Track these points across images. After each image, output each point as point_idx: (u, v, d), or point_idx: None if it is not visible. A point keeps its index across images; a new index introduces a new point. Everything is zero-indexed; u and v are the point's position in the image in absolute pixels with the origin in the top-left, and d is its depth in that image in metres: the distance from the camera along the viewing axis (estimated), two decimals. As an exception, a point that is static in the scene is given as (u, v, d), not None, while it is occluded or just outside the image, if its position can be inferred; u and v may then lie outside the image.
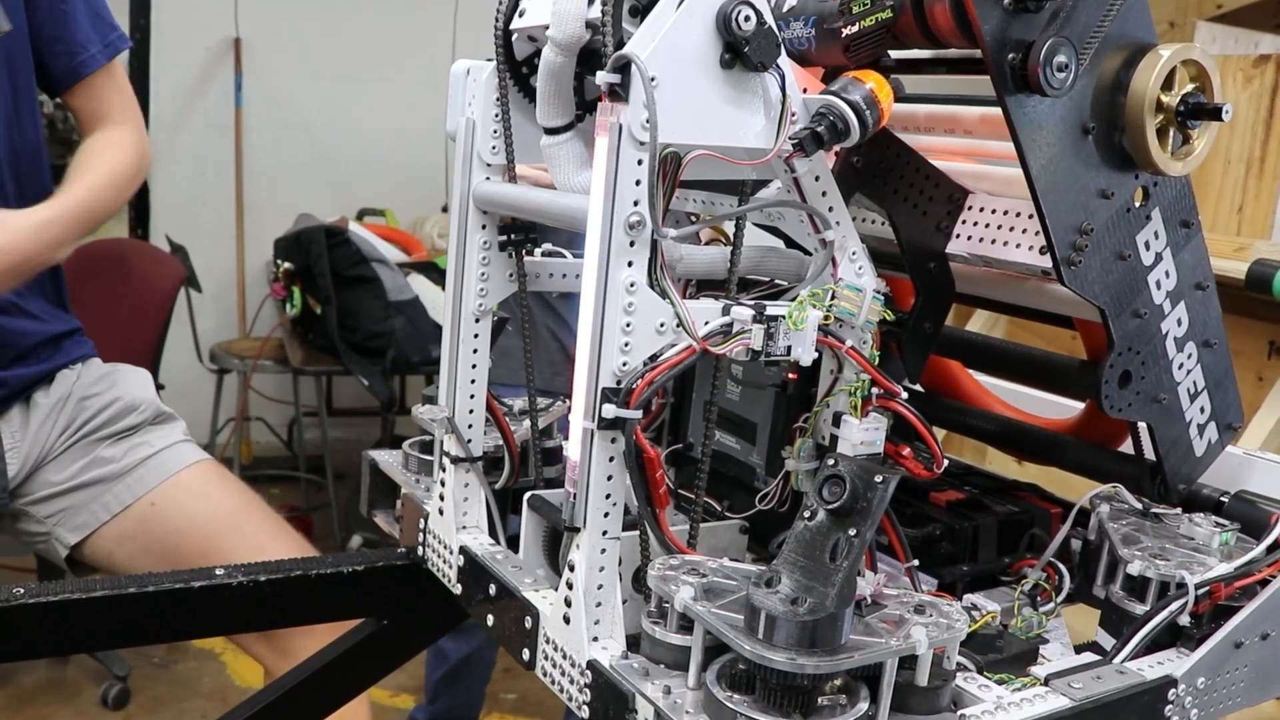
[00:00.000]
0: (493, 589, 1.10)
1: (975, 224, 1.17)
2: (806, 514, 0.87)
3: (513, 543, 1.20)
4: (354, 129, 5.03)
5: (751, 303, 0.93)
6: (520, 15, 1.07)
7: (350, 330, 3.85)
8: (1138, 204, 1.11)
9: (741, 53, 0.88)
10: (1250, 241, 2.45)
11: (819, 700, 0.84)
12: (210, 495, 1.75)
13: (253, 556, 1.25)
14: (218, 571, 1.22)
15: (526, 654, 1.03)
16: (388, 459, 1.41)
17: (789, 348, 0.93)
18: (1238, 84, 2.54)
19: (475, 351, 1.18)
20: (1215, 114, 1.07)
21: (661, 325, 0.91)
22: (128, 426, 1.78)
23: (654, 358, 0.91)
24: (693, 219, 1.30)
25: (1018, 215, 1.15)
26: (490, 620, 1.10)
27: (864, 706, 0.84)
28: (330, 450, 4.53)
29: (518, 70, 1.11)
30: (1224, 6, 5.37)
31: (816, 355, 0.96)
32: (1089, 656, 1.07)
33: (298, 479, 4.80)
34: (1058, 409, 1.51)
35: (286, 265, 3.97)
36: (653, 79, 0.85)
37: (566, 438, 1.42)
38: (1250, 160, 2.52)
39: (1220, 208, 2.61)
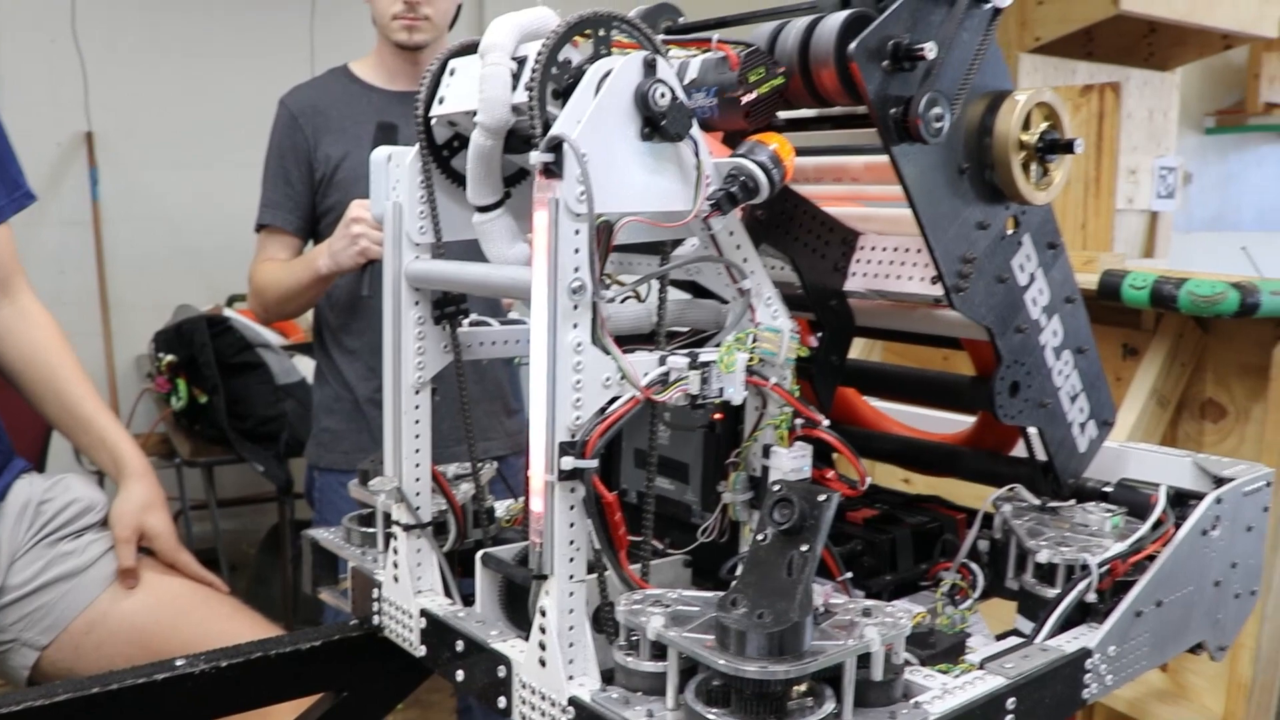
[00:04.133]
0: (460, 645, 1.16)
1: (868, 262, 1.28)
2: (759, 536, 0.96)
3: (465, 601, 1.26)
4: (216, 215, 5.00)
5: (685, 352, 1.02)
6: (440, 103, 1.15)
7: (240, 418, 3.83)
8: (1010, 232, 1.23)
9: (659, 126, 0.97)
10: (1096, 254, 2.64)
11: (789, 705, 0.92)
12: (173, 574, 1.79)
13: (223, 628, 1.28)
14: (178, 662, 1.25)
15: (503, 702, 1.09)
16: (328, 536, 1.45)
17: (721, 389, 1.02)
18: (1069, 111, 2.74)
19: (417, 422, 1.24)
20: (1068, 148, 1.20)
21: (607, 380, 0.99)
22: (85, 525, 1.80)
23: (603, 410, 0.99)
24: (606, 280, 1.39)
25: (905, 251, 1.26)
26: (460, 676, 1.16)
27: (830, 705, 0.92)
28: (221, 541, 4.47)
29: (439, 154, 1.19)
30: (1041, 39, 5.72)
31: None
32: (1013, 641, 1.18)
33: (189, 574, 4.71)
34: (942, 424, 1.62)
35: (169, 358, 3.94)
36: (584, 155, 0.94)
37: (499, 498, 1.49)
38: (1088, 181, 2.72)
39: (1066, 225, 2.81)
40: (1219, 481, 1.37)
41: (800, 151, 1.36)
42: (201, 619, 1.71)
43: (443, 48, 2.65)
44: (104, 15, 4.93)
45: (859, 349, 2.84)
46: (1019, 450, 1.43)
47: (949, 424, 1.60)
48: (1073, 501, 1.37)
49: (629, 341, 1.16)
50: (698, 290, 1.24)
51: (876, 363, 1.70)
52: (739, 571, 0.97)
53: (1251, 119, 9.68)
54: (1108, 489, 1.41)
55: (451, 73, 1.16)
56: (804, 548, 0.93)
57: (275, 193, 2.61)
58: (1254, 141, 10.47)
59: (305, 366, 3.92)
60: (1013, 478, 1.40)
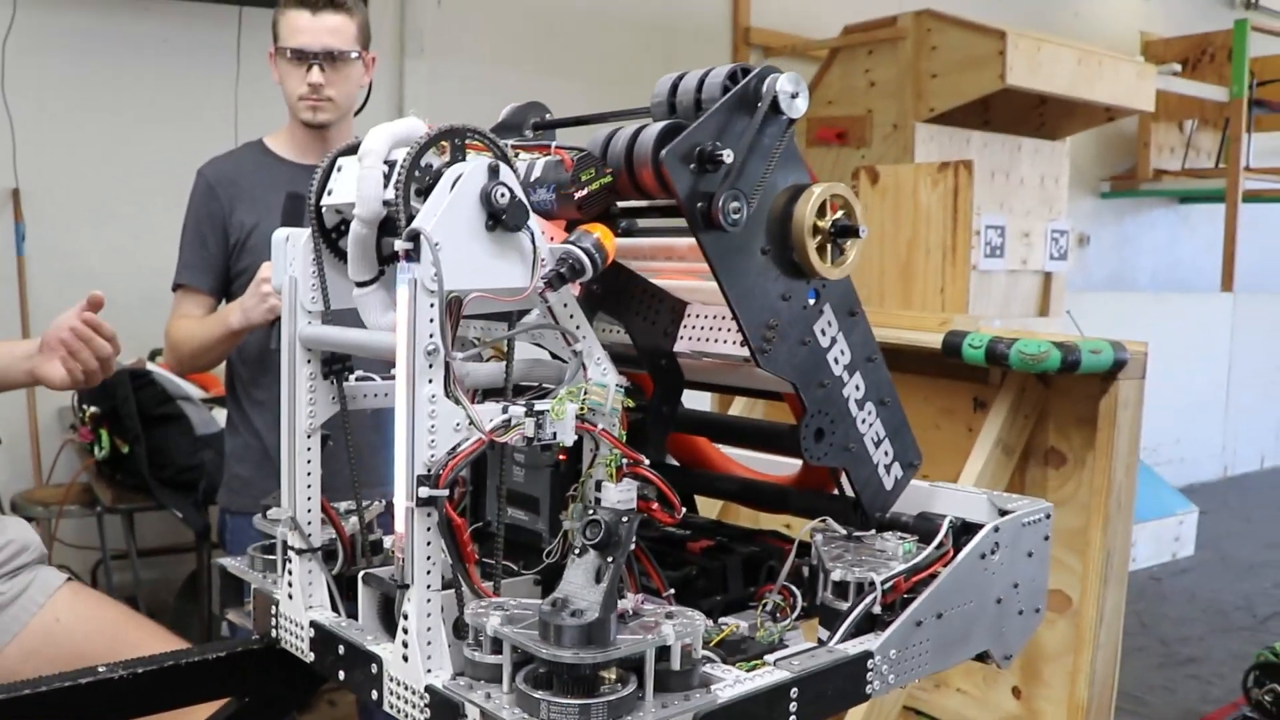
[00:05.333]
0: (341, 649, 1.37)
1: (694, 327, 1.51)
2: (576, 551, 1.18)
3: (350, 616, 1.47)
4: (139, 270, 5.13)
5: (524, 402, 1.24)
6: (329, 194, 1.38)
7: (160, 467, 4.00)
8: (812, 303, 1.46)
9: (500, 219, 1.20)
10: (951, 316, 2.91)
11: (600, 687, 1.14)
12: (106, 607, 1.95)
13: (154, 647, 1.46)
14: (100, 669, 1.44)
15: (375, 694, 1.30)
16: (235, 564, 1.66)
17: (554, 433, 1.25)
18: (928, 186, 3.03)
19: (309, 462, 1.46)
20: (855, 232, 1.43)
21: (458, 424, 1.22)
22: (20, 565, 1.96)
23: (454, 449, 1.21)
24: (475, 342, 1.61)
25: (724, 318, 1.49)
26: (342, 674, 1.37)
27: (634, 687, 1.14)
28: (141, 590, 4.59)
29: (328, 236, 1.41)
30: (935, 110, 6.08)
31: (578, 438, 1.28)
32: (809, 645, 1.40)
33: (109, 621, 4.81)
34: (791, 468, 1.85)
35: (92, 409, 4.10)
36: (436, 244, 1.16)
37: (386, 532, 1.70)
38: (945, 249, 3.00)
39: (926, 289, 3.08)
40: (1003, 514, 1.61)
41: (638, 233, 1.61)
42: (136, 642, 1.88)
43: (349, 126, 2.89)
44: (33, 74, 5.10)
45: (739, 405, 3.09)
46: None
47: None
48: (875, 532, 1.60)
49: (486, 394, 1.38)
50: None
51: (719, 414, 1.94)
52: (562, 580, 1.19)
53: (1143, 184, 10.18)
54: (908, 520, 1.65)
55: (339, 169, 1.39)
56: (609, 559, 1.16)
57: (192, 255, 2.82)
58: (1147, 206, 11.00)
59: (224, 418, 4.09)
60: (828, 512, 1.62)
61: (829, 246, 1.43)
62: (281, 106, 2.90)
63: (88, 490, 4.42)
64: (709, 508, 2.29)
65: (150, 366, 4.39)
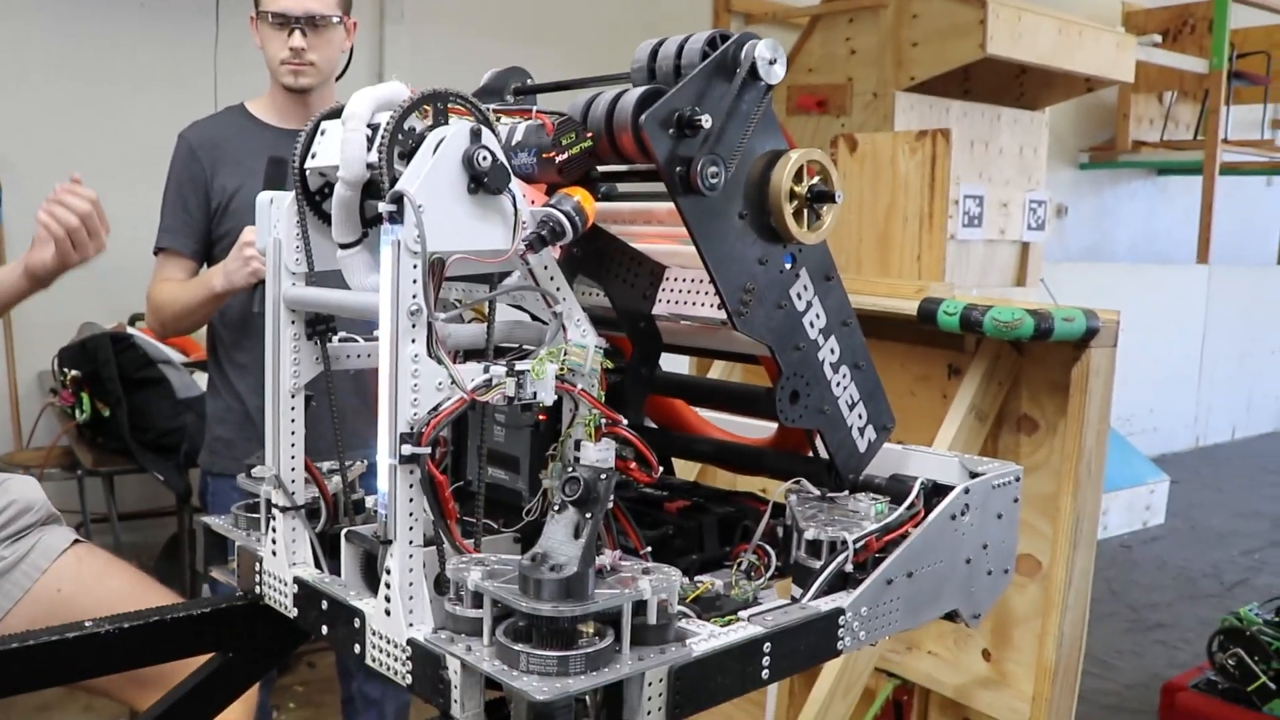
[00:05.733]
0: (325, 604, 1.39)
1: (673, 290, 1.54)
2: (555, 508, 1.21)
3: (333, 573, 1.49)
4: (119, 236, 5.10)
5: (505, 363, 1.27)
6: (313, 157, 1.40)
7: (142, 430, 4.01)
8: (788, 267, 1.49)
9: (482, 182, 1.22)
10: (928, 283, 2.94)
11: (579, 640, 1.17)
12: (113, 574, 1.93)
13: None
14: (87, 623, 1.47)
15: (358, 648, 1.33)
16: (219, 522, 1.68)
17: (535, 393, 1.27)
18: (906, 154, 3.05)
19: (293, 422, 1.48)
20: (832, 198, 1.46)
21: (440, 384, 1.24)
22: (24, 526, 1.94)
23: (436, 408, 1.24)
24: (457, 303, 1.63)
25: (703, 281, 1.52)
26: (325, 630, 1.40)
27: (611, 640, 1.17)
28: (122, 554, 4.61)
29: (312, 199, 1.43)
30: (916, 78, 6.09)
31: (558, 398, 1.30)
32: (783, 602, 1.44)
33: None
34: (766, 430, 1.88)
35: (74, 373, 4.11)
36: (420, 206, 1.18)
37: (368, 492, 1.73)
38: (922, 216, 3.02)
39: (903, 257, 3.11)
40: (973, 476, 1.65)
41: (619, 197, 1.63)
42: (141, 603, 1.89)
43: (331, 91, 2.89)
44: (11, 39, 5.08)
45: (718, 369, 3.12)
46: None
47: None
48: (848, 493, 1.64)
49: (468, 355, 1.41)
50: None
51: (696, 376, 1.97)
52: (542, 535, 1.22)
53: (1122, 156, 10.22)
54: (881, 482, 1.68)
55: (323, 132, 1.41)
56: (588, 515, 1.19)
57: (173, 219, 2.83)
58: (1125, 177, 11.06)
59: (205, 381, 4.11)
60: (803, 473, 1.65)
61: (805, 211, 1.45)
62: (262, 71, 2.90)
63: (68, 453, 4.44)
64: (686, 470, 2.32)
65: (131, 330, 4.39)
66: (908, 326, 2.74)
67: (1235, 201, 10.64)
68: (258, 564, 1.54)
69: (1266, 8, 10.37)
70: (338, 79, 2.94)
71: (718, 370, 3.16)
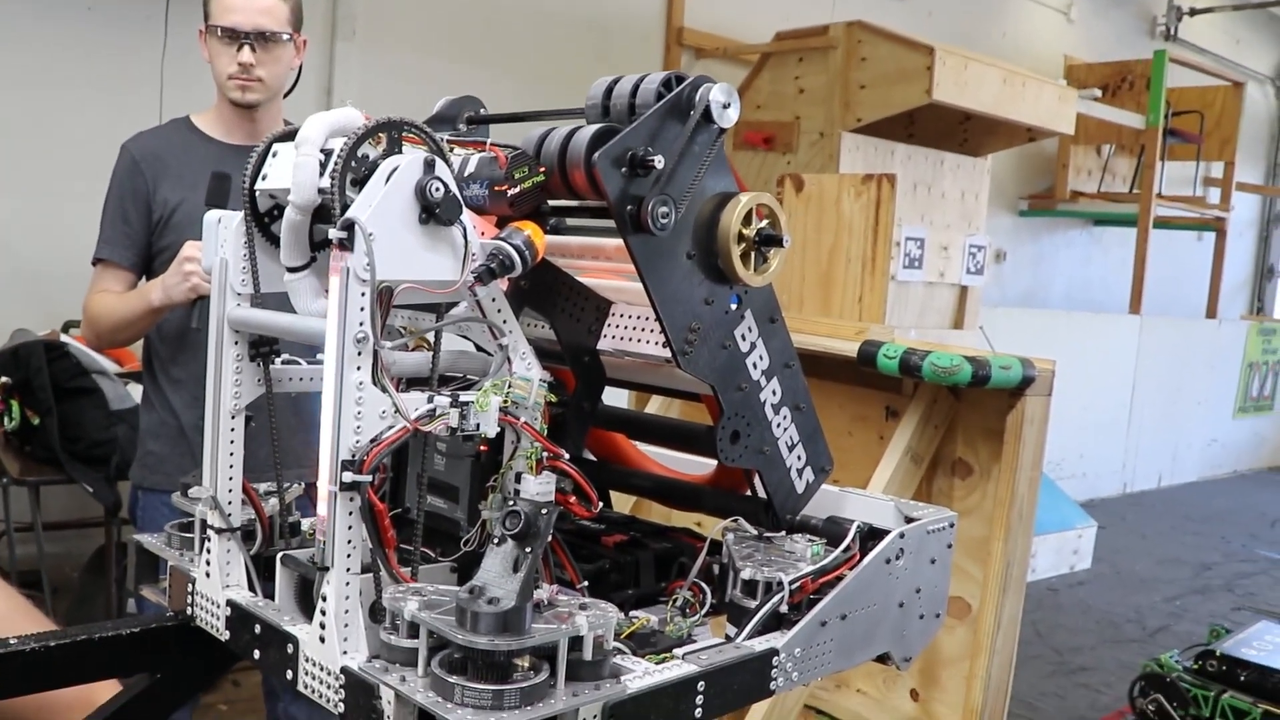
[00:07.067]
0: (258, 628, 1.38)
1: (618, 326, 1.55)
2: (495, 541, 1.21)
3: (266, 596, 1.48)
4: (55, 243, 5.07)
5: (449, 393, 1.27)
6: (263, 179, 1.39)
7: (73, 440, 3.94)
8: (734, 308, 1.51)
9: (434, 213, 1.23)
10: (868, 325, 2.98)
11: (514, 674, 1.17)
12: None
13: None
14: (11, 641, 1.44)
15: (290, 674, 1.31)
16: (152, 540, 1.66)
17: (478, 424, 1.27)
18: (851, 196, 3.09)
19: (232, 443, 1.47)
20: (779, 242, 1.48)
21: (383, 412, 1.24)
22: None
23: (378, 437, 1.23)
24: (403, 330, 1.63)
25: (648, 319, 1.53)
26: (257, 654, 1.38)
27: (546, 675, 1.17)
28: (45, 564, 4.52)
29: (261, 220, 1.42)
30: (863, 120, 6.18)
31: (500, 430, 1.31)
32: (717, 641, 1.44)
33: (9, 596, 4.73)
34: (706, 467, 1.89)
35: (3, 379, 4.04)
36: (370, 234, 1.18)
37: (305, 515, 1.71)
38: (865, 259, 3.06)
39: (845, 297, 3.15)
40: (909, 521, 1.67)
41: (566, 231, 1.64)
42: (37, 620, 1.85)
43: (278, 108, 2.88)
44: (-47, 41, 5.00)
45: (655, 404, 3.13)
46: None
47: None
48: (785, 533, 1.65)
49: (411, 383, 1.40)
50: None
51: (638, 411, 1.97)
52: (480, 568, 1.22)
53: (1060, 205, 10.43)
54: (818, 524, 1.69)
55: (274, 155, 1.40)
56: (527, 549, 1.19)
57: (113, 230, 2.80)
58: (1063, 226, 11.27)
59: (139, 393, 4.05)
60: (741, 512, 1.66)
61: (753, 254, 1.47)
62: (209, 82, 2.88)
63: (-4, 461, 4.35)
64: (622, 503, 2.32)
65: (65, 339, 4.32)
66: (847, 367, 2.77)
67: (1167, 255, 10.88)
68: (190, 585, 1.52)
69: (1202, 70, 10.66)
70: (285, 96, 2.93)
71: (656, 404, 3.17)
